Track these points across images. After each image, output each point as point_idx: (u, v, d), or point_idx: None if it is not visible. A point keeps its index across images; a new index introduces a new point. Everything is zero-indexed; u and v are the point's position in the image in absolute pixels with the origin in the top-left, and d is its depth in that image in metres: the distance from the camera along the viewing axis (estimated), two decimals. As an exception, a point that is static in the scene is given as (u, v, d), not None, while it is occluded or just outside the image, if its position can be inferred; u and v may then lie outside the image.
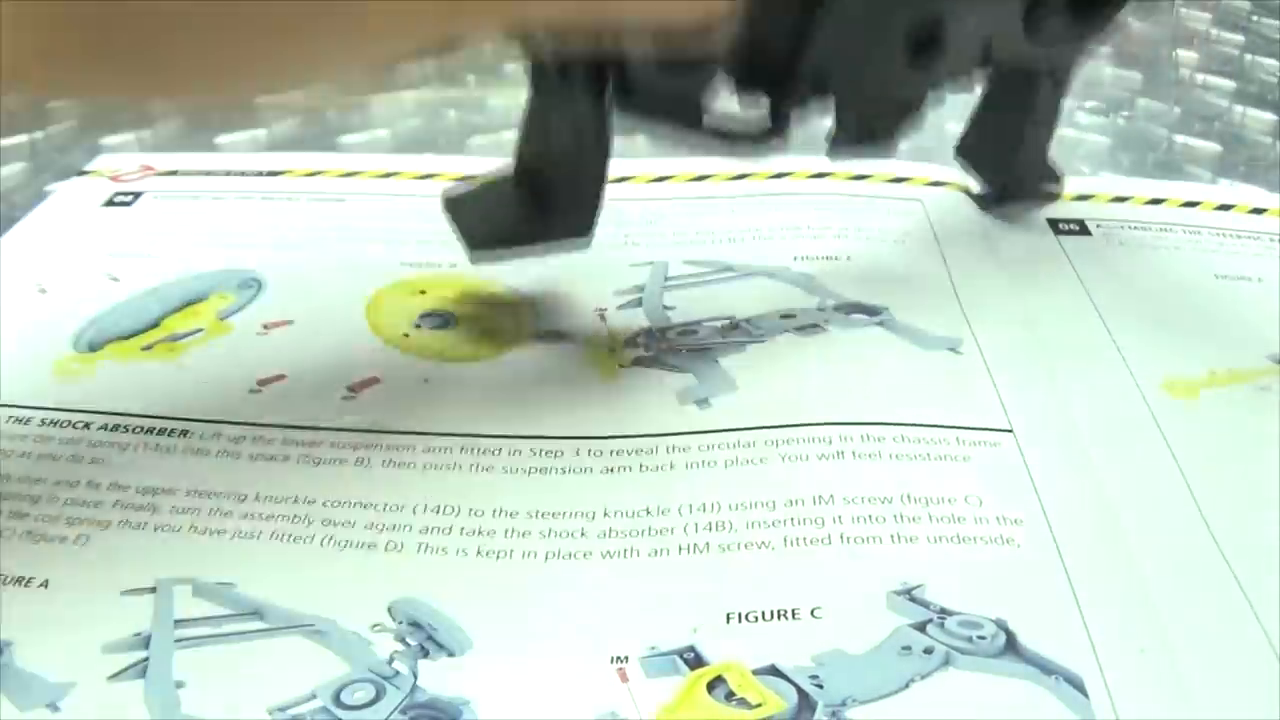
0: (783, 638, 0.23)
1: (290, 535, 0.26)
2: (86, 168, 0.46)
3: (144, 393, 0.31)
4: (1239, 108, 0.55)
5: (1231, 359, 0.33)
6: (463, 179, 0.34)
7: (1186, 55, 0.62)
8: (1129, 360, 0.33)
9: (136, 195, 0.43)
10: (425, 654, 0.23)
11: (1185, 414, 0.31)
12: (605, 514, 0.27)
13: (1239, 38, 0.64)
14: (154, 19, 0.21)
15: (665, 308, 0.35)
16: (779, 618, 0.24)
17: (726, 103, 0.31)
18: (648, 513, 0.27)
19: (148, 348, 0.33)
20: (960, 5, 0.31)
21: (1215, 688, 0.22)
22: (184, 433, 0.30)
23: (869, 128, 0.32)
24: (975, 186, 0.44)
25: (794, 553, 0.26)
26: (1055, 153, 0.41)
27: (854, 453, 0.29)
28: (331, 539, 0.26)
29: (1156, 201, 0.43)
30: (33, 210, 0.42)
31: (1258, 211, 0.42)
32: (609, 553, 0.26)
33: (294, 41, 0.22)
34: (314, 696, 0.22)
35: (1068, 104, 0.55)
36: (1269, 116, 0.53)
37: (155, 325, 0.34)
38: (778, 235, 0.39)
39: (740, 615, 0.24)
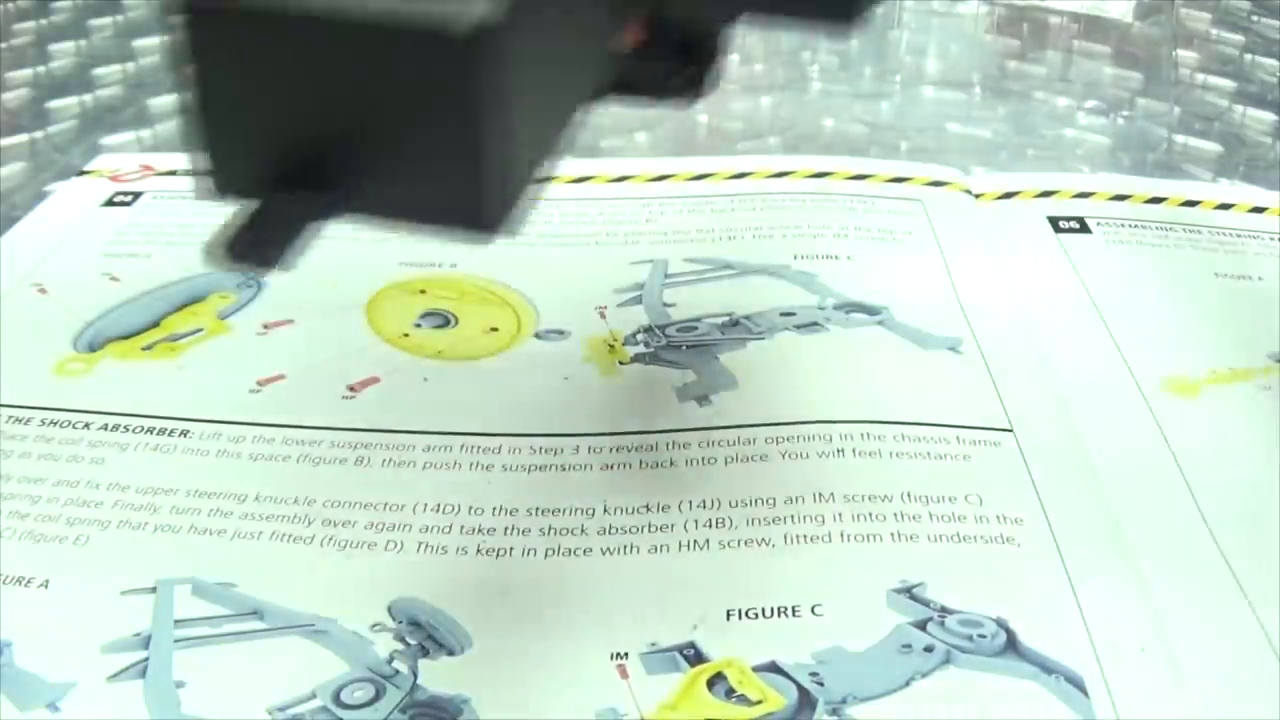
0: (783, 635, 0.23)
1: (290, 535, 0.26)
2: (86, 168, 0.46)
3: (144, 393, 0.31)
4: (1239, 108, 0.55)
5: (1232, 358, 0.33)
6: None
7: (1186, 55, 0.62)
8: (1129, 360, 0.33)
9: (136, 195, 0.43)
10: (425, 653, 0.23)
11: (1185, 413, 0.30)
12: (605, 511, 0.27)
13: (1239, 38, 0.64)
14: None
15: (665, 305, 0.35)
16: (779, 615, 0.24)
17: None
18: (648, 509, 0.27)
19: (148, 348, 0.33)
20: None
21: (1215, 688, 0.22)
22: (184, 433, 0.30)
23: None
24: (975, 186, 0.44)
25: (794, 550, 0.26)
26: (1056, 153, 0.41)
27: (854, 451, 0.29)
28: (331, 539, 0.26)
29: (1156, 200, 0.43)
30: (33, 210, 0.42)
31: (1258, 211, 0.42)
32: (609, 550, 0.26)
33: None
34: (314, 696, 0.22)
35: (1068, 104, 0.55)
36: (1269, 116, 0.53)
37: (155, 325, 0.34)
38: (778, 234, 0.39)
39: (741, 612, 0.24)
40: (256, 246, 0.13)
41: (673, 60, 0.20)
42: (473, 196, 0.14)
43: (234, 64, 0.13)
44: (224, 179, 0.14)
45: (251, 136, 0.14)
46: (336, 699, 0.22)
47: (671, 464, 0.28)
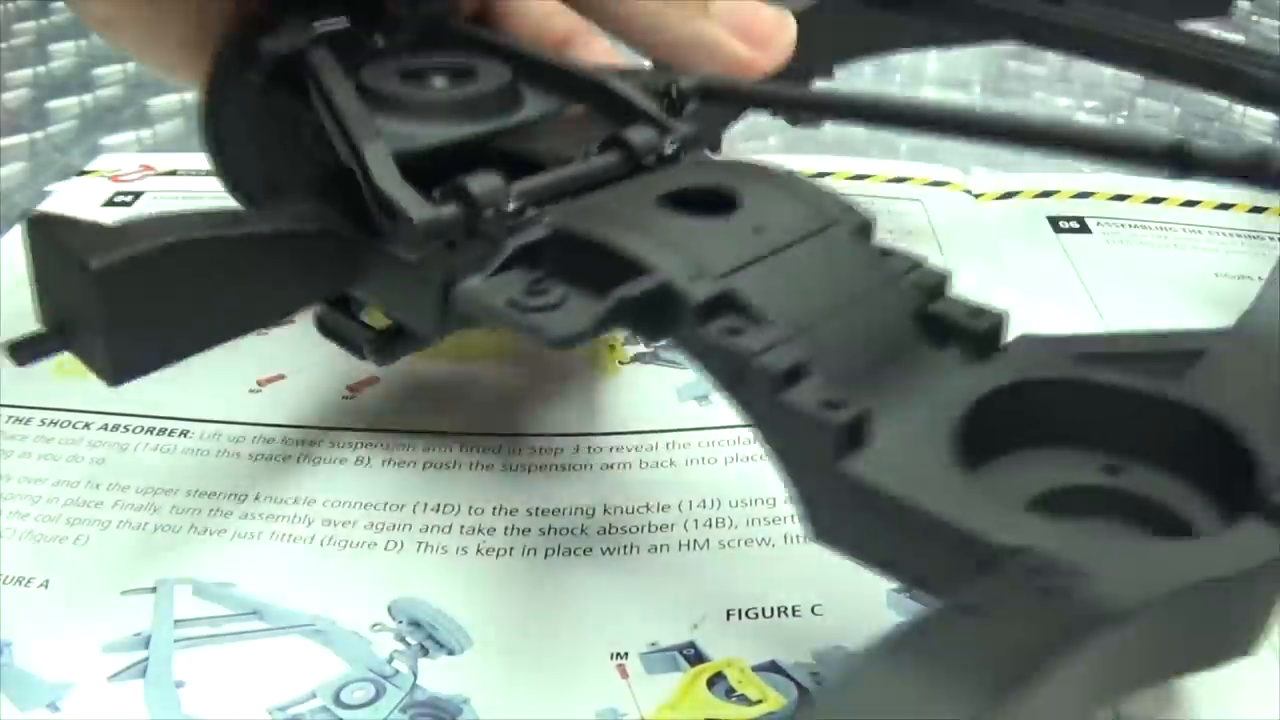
0: (783, 635, 0.23)
1: (290, 535, 0.26)
2: (87, 167, 0.46)
3: (144, 393, 0.31)
4: (1239, 108, 0.55)
5: (1232, 357, 0.33)
6: None
7: (1186, 55, 0.62)
8: (1129, 359, 0.33)
9: (136, 195, 0.43)
10: (425, 653, 0.23)
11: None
12: (605, 511, 0.27)
13: (1239, 38, 0.64)
14: None
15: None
16: (780, 615, 0.24)
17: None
18: (648, 509, 0.27)
19: (148, 347, 0.33)
20: None
21: (1215, 688, 0.22)
22: (184, 433, 0.30)
23: None
24: (975, 186, 0.44)
25: (794, 550, 0.26)
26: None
27: (854, 451, 0.28)
28: (331, 538, 0.26)
29: (1156, 200, 0.43)
30: (33, 210, 0.42)
31: (1258, 211, 0.42)
32: (609, 550, 0.26)
33: None
34: (314, 696, 0.22)
35: (1068, 104, 0.55)
36: (1269, 116, 0.53)
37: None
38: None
39: (741, 612, 0.24)
40: (21, 352, 0.23)
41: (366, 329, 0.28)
42: (103, 357, 0.23)
43: (31, 254, 0.24)
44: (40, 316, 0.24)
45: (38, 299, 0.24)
46: (336, 699, 0.22)
47: (671, 464, 0.28)
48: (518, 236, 0.22)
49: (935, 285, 0.22)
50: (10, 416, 0.30)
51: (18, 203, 0.43)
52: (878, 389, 0.19)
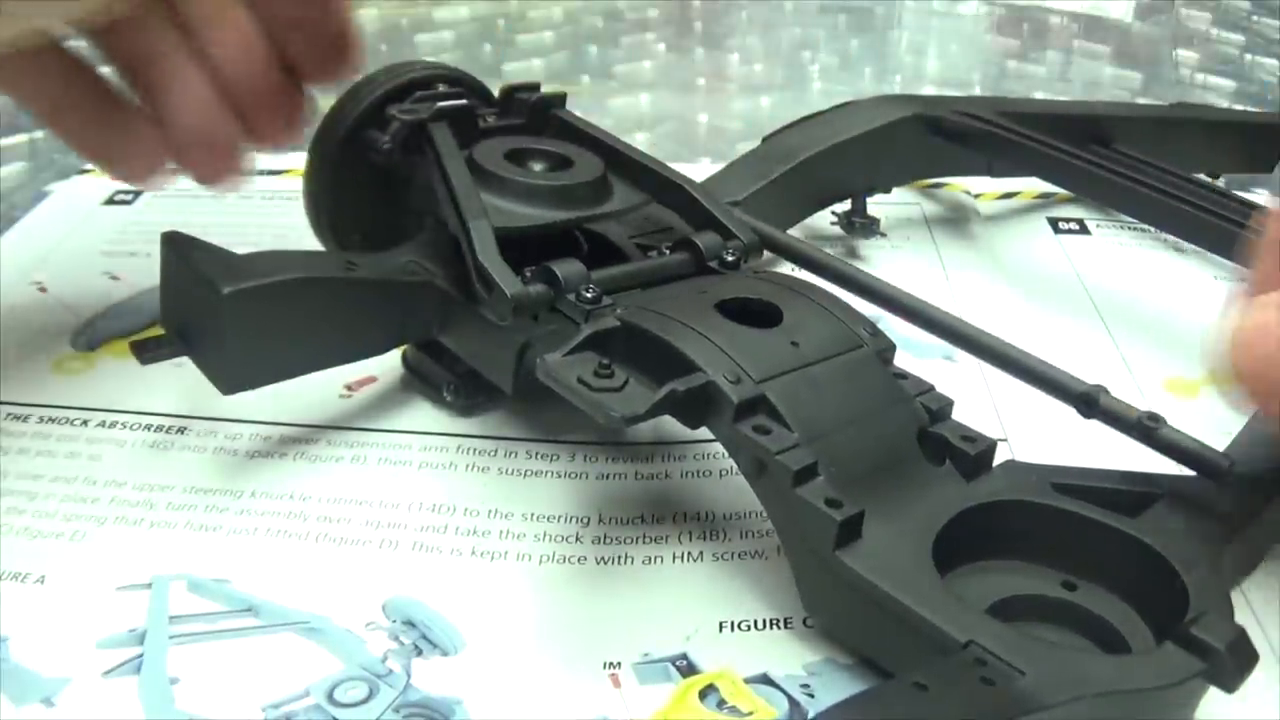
0: (775, 647, 0.24)
1: (285, 532, 0.27)
2: (87, 165, 0.46)
3: (141, 390, 0.31)
4: (1239, 107, 0.55)
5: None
6: None
7: (1186, 55, 0.62)
8: (1129, 361, 0.33)
9: (137, 194, 0.43)
10: (419, 653, 0.23)
11: (1186, 413, 0.30)
12: (600, 520, 0.27)
13: (1239, 38, 0.64)
14: None
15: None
16: (772, 627, 0.24)
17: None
18: (642, 520, 0.27)
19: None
20: None
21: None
22: (181, 430, 0.30)
23: None
24: (975, 186, 0.44)
25: (787, 563, 0.25)
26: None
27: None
28: (327, 536, 0.26)
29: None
30: (33, 210, 0.42)
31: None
32: (603, 559, 0.26)
33: None
34: (307, 694, 0.22)
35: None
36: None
37: (154, 323, 0.34)
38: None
39: (733, 624, 0.24)
40: (144, 352, 0.27)
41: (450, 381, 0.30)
42: (220, 369, 0.27)
43: (164, 268, 0.28)
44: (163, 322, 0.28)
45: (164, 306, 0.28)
46: (330, 697, 0.22)
47: (667, 476, 0.28)
48: (593, 322, 0.24)
49: (940, 409, 0.25)
50: (8, 414, 0.30)
51: (17, 202, 0.43)
52: (876, 493, 0.22)
